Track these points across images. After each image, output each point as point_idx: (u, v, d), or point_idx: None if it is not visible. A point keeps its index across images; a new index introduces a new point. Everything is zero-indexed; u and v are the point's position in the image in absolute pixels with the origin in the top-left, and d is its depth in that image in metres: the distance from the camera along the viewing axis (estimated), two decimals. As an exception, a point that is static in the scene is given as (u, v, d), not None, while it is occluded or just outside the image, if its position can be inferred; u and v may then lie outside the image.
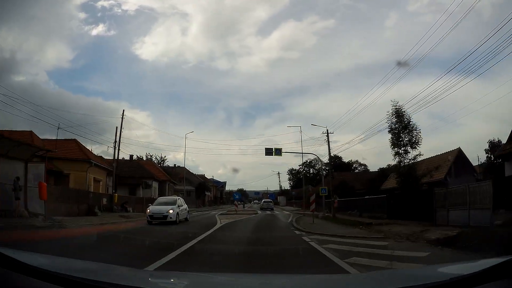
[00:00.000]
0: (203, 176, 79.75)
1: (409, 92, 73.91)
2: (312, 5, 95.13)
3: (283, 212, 37.39)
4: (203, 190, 66.76)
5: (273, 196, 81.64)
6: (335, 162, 57.04)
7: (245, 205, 56.83)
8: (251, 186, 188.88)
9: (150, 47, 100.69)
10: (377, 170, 44.63)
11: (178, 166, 63.72)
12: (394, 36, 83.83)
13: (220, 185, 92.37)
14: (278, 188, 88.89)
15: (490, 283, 1.36)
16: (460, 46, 57.20)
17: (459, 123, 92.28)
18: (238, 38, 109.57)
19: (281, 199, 77.50)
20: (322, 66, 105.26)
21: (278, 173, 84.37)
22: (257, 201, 75.91)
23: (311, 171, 78.58)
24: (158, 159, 62.84)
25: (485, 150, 33.60)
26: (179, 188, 53.33)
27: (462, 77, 25.84)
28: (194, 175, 70.86)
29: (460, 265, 2.00)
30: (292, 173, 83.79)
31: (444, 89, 22.31)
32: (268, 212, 35.98)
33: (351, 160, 68.84)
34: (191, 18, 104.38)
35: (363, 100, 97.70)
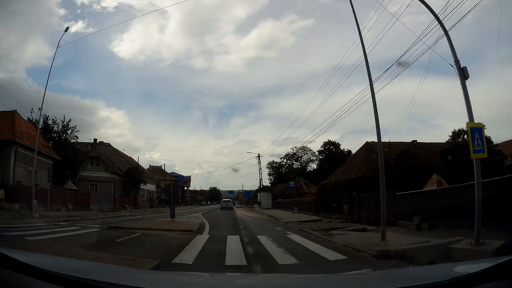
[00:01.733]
0: (158, 168, 62.89)
1: (387, 93, 73.56)
2: (291, 4, 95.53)
3: (291, 236, 11.40)
4: (135, 182, 41.37)
5: (250, 195, 68.15)
6: (330, 149, 48.73)
7: (174, 210, 23.16)
8: (226, 185, 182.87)
9: (128, 45, 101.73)
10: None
11: (104, 143, 42.72)
12: (374, 37, 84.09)
13: (181, 181, 75.54)
14: (258, 183, 60.57)
15: (490, 283, 1.36)
16: (440, 48, 56.51)
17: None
18: (216, 36, 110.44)
19: (263, 197, 48.01)
20: (299, 66, 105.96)
21: (258, 156, 53.16)
22: (226, 199, 51.82)
23: (295, 165, 65.72)
24: (59, 123, 34.27)
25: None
26: (88, 175, 35.11)
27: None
28: (124, 156, 46.10)
29: (460, 265, 2.00)
30: (273, 167, 68.08)
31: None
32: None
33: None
34: (169, 15, 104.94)
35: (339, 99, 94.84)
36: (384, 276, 2.43)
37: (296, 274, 4.65)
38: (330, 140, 51.83)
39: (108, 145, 43.37)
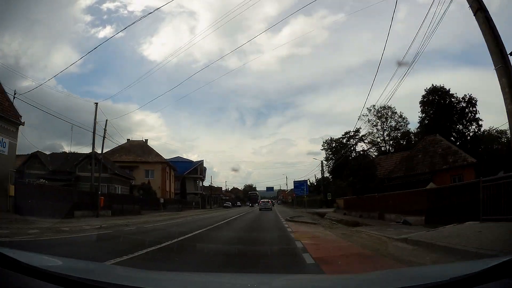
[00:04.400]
0: (141, 144, 43.96)
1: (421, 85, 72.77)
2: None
3: None
4: None
5: (303, 188, 41.56)
6: (434, 100, 33.76)
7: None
8: (264, 184, 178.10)
9: (158, 48, 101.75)
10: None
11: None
12: (404, 29, 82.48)
13: (187, 169, 53.83)
14: (317, 161, 42.19)
15: (490, 283, 1.36)
16: (469, 37, 55.65)
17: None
18: (248, 35, 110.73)
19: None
20: (333, 62, 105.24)
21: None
22: (265, 200, 44.66)
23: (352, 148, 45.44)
24: None
25: None
26: None
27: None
28: None
29: (460, 265, 2.00)
30: (332, 149, 50.15)
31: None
32: None
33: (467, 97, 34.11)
34: (198, 16, 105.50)
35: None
36: (384, 276, 2.43)
37: (299, 274, 4.65)
38: (434, 86, 35.16)
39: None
